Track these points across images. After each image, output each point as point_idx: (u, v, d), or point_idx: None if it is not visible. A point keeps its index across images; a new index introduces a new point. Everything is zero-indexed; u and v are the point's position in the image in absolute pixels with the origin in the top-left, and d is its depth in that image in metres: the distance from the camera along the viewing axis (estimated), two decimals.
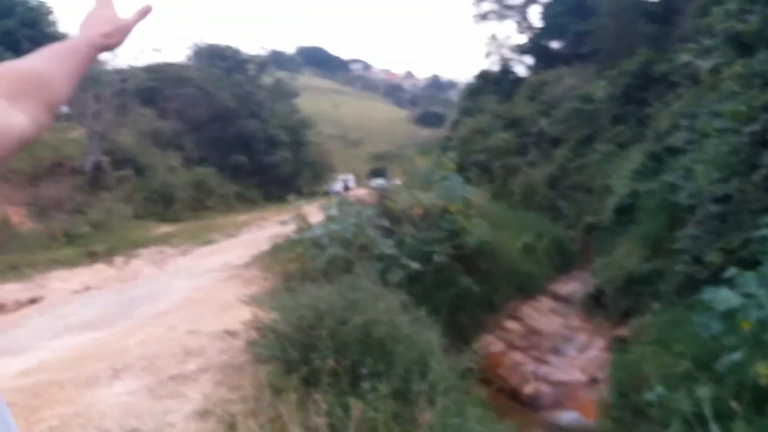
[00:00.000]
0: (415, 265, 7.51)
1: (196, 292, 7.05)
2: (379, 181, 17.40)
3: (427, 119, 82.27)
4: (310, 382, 3.85)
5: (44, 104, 0.82)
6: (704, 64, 12.66)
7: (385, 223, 8.49)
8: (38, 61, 0.87)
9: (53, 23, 19.44)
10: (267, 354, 4.10)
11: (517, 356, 8.97)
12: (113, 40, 0.94)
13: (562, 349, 9.27)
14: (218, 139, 26.17)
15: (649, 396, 6.04)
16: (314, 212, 8.90)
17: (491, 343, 9.25)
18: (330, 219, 7.78)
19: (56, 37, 18.75)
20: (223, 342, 4.80)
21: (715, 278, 6.79)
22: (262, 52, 36.18)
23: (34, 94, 0.82)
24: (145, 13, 0.98)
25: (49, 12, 18.74)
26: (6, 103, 0.77)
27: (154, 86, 24.58)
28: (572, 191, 17.68)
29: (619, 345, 8.35)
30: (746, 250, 7.18)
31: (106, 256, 10.83)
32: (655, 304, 8.54)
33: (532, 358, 8.90)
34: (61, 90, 0.87)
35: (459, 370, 4.99)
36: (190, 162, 23.11)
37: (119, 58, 23.63)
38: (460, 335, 7.87)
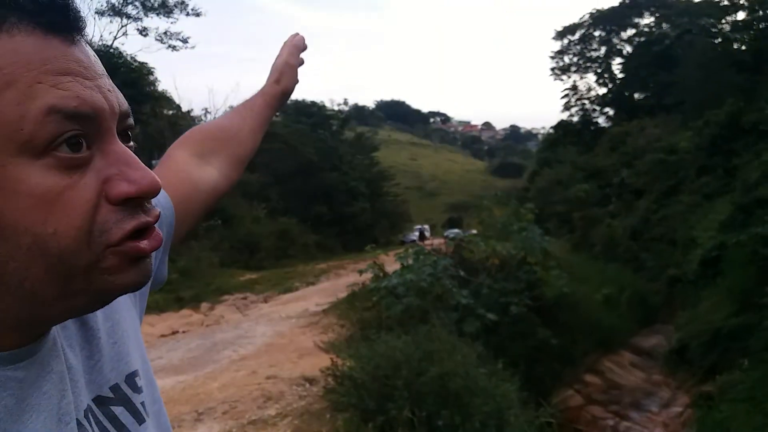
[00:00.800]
0: (491, 316, 7.41)
1: (276, 338, 7.09)
2: (455, 231, 17.66)
3: (505, 170, 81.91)
4: (385, 431, 3.90)
5: (232, 158, 0.87)
6: None
7: (462, 273, 8.56)
8: (222, 120, 0.94)
9: (153, 83, 21.30)
10: (344, 401, 4.12)
11: (596, 411, 8.76)
12: (282, 84, 0.96)
13: (643, 404, 8.96)
14: (301, 190, 27.55)
15: None
16: (390, 261, 9.11)
17: (570, 397, 9.10)
18: (406, 268, 7.80)
19: (156, 96, 20.67)
20: (301, 388, 4.82)
21: None
22: (345, 108, 38.01)
23: (221, 149, 0.86)
24: (297, 44, 1.00)
25: (149, 72, 20.63)
26: (196, 160, 0.82)
27: None
28: (655, 243, 17.18)
29: (704, 402, 8.02)
30: None
31: (193, 301, 11.02)
32: (743, 361, 8.20)
33: (612, 413, 8.66)
34: (246, 142, 0.91)
35: (537, 425, 4.96)
36: (275, 212, 24.34)
37: (211, 115, 25.74)
38: (537, 388, 7.80)
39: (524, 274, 9.04)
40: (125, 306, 0.63)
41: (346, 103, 76.26)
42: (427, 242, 17.10)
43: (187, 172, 0.79)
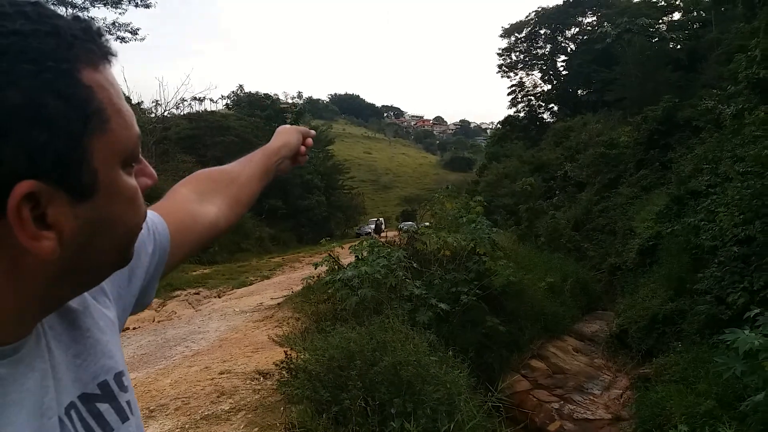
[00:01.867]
0: (443, 306, 7.45)
1: (230, 333, 6.97)
2: (408, 224, 17.90)
3: (456, 164, 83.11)
4: (339, 421, 3.90)
5: (230, 199, 0.93)
6: (727, 110, 12.96)
7: (414, 264, 8.64)
8: (225, 166, 1.01)
9: None
10: (298, 394, 4.12)
11: (542, 395, 9.11)
12: (283, 151, 1.08)
13: (586, 387, 9.35)
14: None
15: None
16: (346, 254, 9.04)
17: (517, 382, 9.41)
18: (360, 260, 7.76)
19: None
20: (255, 382, 4.82)
21: (738, 319, 6.96)
22: (299, 101, 37.66)
23: (221, 191, 0.93)
24: (309, 134, 1.14)
25: None
26: (197, 197, 0.89)
27: (195, 134, 25.88)
28: (597, 233, 17.83)
29: (642, 384, 8.45)
30: None
31: None
32: (677, 344, 8.67)
33: (557, 397, 9.03)
34: (244, 187, 0.98)
35: (485, 409, 4.99)
36: None
37: (161, 107, 25.05)
38: (486, 374, 8.02)
39: (474, 264, 9.23)
40: (109, 314, 0.68)
41: (300, 96, 75.65)
42: (382, 235, 17.22)
43: (187, 206, 0.87)
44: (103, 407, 0.60)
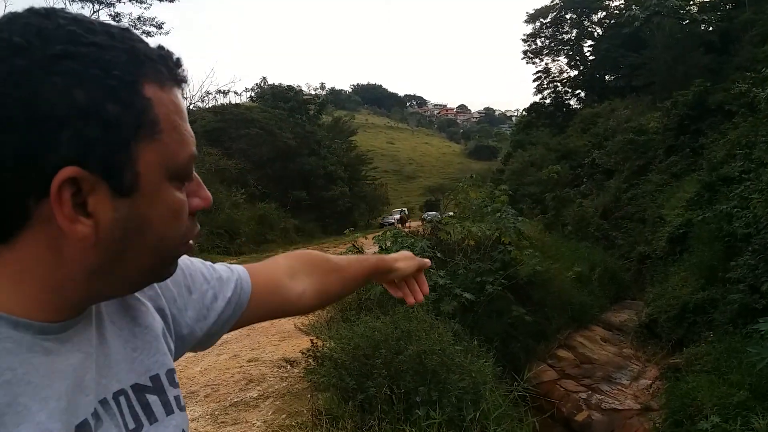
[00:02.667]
0: (468, 296, 7.40)
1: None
2: (432, 214, 17.90)
3: (480, 153, 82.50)
4: (365, 409, 3.91)
5: (319, 287, 0.95)
6: (762, 93, 12.56)
7: (438, 254, 8.67)
8: (336, 256, 1.03)
9: None
10: (324, 382, 4.16)
11: (569, 384, 9.05)
12: (397, 264, 1.06)
13: (614, 377, 9.26)
14: (280, 175, 27.45)
15: (704, 425, 6.07)
16: (370, 244, 9.18)
17: (544, 372, 9.38)
18: (384, 251, 7.72)
19: None
20: (282, 370, 4.87)
21: None
22: (322, 92, 37.74)
23: (316, 276, 0.95)
24: (424, 265, 1.11)
25: None
26: (290, 272, 0.92)
27: (221, 127, 26.11)
28: (625, 221, 17.56)
29: (672, 374, 8.33)
30: None
31: None
32: (709, 334, 8.52)
33: (585, 387, 8.96)
34: (337, 283, 0.99)
35: (511, 398, 4.96)
36: (254, 198, 24.26)
37: (187, 100, 25.46)
38: (512, 364, 8.00)
39: (499, 254, 9.18)
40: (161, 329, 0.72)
41: (323, 87, 75.91)
42: (406, 225, 17.23)
43: (277, 274, 0.91)
44: (152, 398, 0.64)
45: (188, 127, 0.57)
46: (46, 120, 0.48)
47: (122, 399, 0.60)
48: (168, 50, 0.57)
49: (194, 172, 0.60)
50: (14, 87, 0.48)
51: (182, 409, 0.68)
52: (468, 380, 4.33)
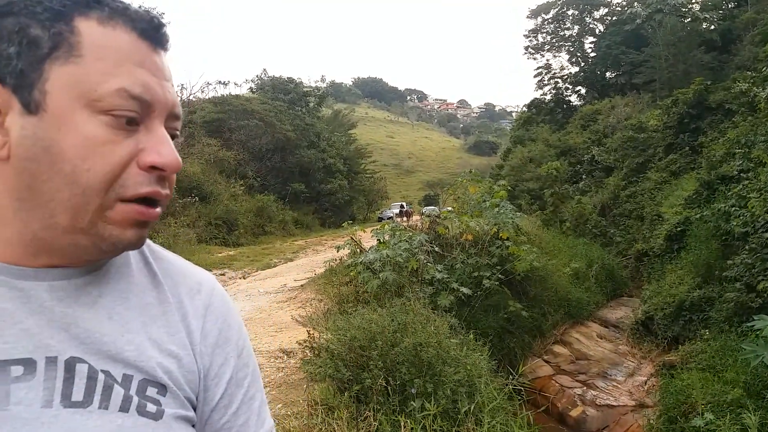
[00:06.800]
0: (465, 290, 7.50)
1: (254, 313, 7.04)
2: (430, 208, 17.87)
3: (480, 148, 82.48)
4: (361, 400, 3.94)
5: None
6: (763, 93, 12.55)
7: (436, 248, 8.59)
8: None
9: None
10: (321, 372, 4.18)
11: (564, 380, 9.09)
12: None
13: (610, 374, 9.30)
14: (279, 167, 27.39)
15: (698, 422, 6.10)
16: (368, 238, 9.10)
17: (539, 367, 9.42)
18: (382, 244, 7.77)
19: None
20: (279, 360, 4.88)
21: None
22: (322, 85, 37.56)
23: None
24: None
25: None
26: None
27: (220, 118, 25.96)
28: (623, 219, 17.62)
29: (667, 371, 8.37)
30: None
31: None
32: (705, 332, 8.56)
33: (580, 383, 9.00)
34: None
35: (506, 392, 4.98)
36: (252, 189, 24.21)
37: (186, 91, 25.26)
38: (507, 359, 8.04)
39: (496, 249, 9.20)
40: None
41: (323, 79, 75.50)
42: (404, 219, 17.22)
43: None
44: (116, 389, 0.60)
45: (140, 72, 0.57)
46: None
47: (81, 367, 0.57)
48: (143, 8, 0.60)
49: (162, 129, 0.60)
50: None
51: (142, 414, 0.60)
52: (463, 373, 4.36)
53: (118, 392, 0.58)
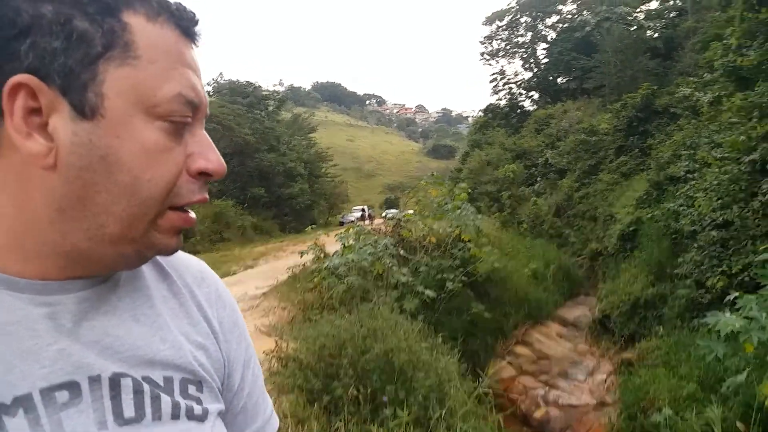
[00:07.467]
0: (429, 293, 7.50)
1: None
2: (392, 211, 17.91)
3: (438, 152, 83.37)
4: (331, 411, 3.87)
5: None
6: (704, 97, 13.15)
7: (401, 251, 8.57)
8: None
9: None
10: (289, 383, 4.07)
11: (527, 381, 9.21)
12: None
13: (571, 373, 9.47)
14: (237, 172, 26.98)
15: (657, 418, 6.29)
16: (331, 242, 8.94)
17: (503, 368, 9.52)
18: (347, 248, 7.75)
19: None
20: None
21: (718, 302, 7.09)
22: (281, 88, 37.17)
23: None
24: None
25: None
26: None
27: None
28: (578, 219, 18.07)
29: (626, 368, 8.58)
30: (747, 274, 7.46)
31: None
32: (659, 328, 8.81)
33: (543, 383, 9.14)
34: None
35: (475, 396, 5.03)
36: (209, 194, 23.69)
37: None
38: (472, 361, 8.11)
39: (459, 251, 9.29)
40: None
41: (281, 83, 74.83)
42: (366, 222, 17.20)
43: None
44: (164, 398, 0.60)
45: (187, 73, 0.55)
46: (7, 27, 0.48)
47: (125, 382, 0.56)
48: (179, 3, 0.57)
49: (204, 132, 0.58)
50: None
51: (191, 418, 0.60)
52: (434, 378, 4.35)
53: (166, 401, 0.58)
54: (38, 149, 0.49)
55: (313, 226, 11.57)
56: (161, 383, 0.58)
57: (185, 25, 0.56)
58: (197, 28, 0.58)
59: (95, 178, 0.51)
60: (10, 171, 0.51)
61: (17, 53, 0.48)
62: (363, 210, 34.21)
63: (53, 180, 0.50)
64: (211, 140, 0.58)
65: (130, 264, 0.58)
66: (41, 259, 0.53)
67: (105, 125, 0.50)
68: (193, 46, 0.58)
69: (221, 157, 0.58)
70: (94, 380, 0.54)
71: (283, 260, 12.96)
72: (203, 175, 0.57)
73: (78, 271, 0.55)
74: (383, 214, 23.58)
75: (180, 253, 0.70)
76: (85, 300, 0.56)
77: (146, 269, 0.64)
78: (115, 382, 0.55)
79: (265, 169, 27.90)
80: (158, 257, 0.65)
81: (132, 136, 0.51)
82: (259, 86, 33.40)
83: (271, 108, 32.66)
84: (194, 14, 0.57)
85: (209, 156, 0.57)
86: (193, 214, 0.59)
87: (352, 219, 26.42)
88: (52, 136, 0.50)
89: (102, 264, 0.56)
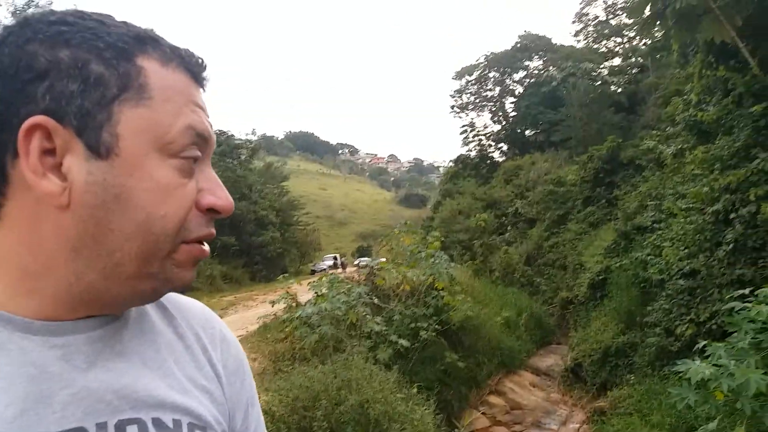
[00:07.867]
0: (403, 342, 7.45)
1: None
2: (365, 260, 17.88)
3: (410, 200, 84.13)
4: None
5: None
6: (668, 150, 13.67)
7: (375, 300, 8.49)
8: None
9: None
10: None
11: (501, 431, 9.10)
12: None
13: (544, 423, 9.39)
14: None
15: None
16: (303, 291, 8.86)
17: (477, 419, 9.39)
18: (320, 297, 7.63)
19: None
20: None
21: (687, 349, 7.17)
22: (253, 137, 37.35)
23: None
24: None
25: None
26: None
27: None
28: (548, 268, 18.33)
29: (599, 417, 8.55)
30: (714, 322, 7.58)
31: None
32: (630, 376, 8.85)
33: None
34: None
35: None
36: None
37: None
38: (446, 411, 7.97)
39: (432, 299, 9.27)
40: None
41: (254, 132, 75.29)
42: (339, 270, 17.08)
43: None
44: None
45: (198, 111, 0.57)
46: (24, 72, 0.49)
47: (131, 429, 0.55)
48: (188, 49, 0.59)
49: (211, 169, 0.59)
50: (3, 45, 0.51)
51: None
52: (410, 429, 4.31)
53: None
54: (52, 189, 0.50)
55: (285, 274, 11.40)
56: (171, 425, 0.58)
57: (195, 70, 0.58)
58: (205, 74, 0.60)
59: (109, 216, 0.51)
60: (23, 211, 0.51)
61: (34, 96, 0.49)
62: (335, 258, 33.98)
63: (67, 219, 0.51)
64: (218, 178, 0.59)
65: (145, 300, 0.59)
66: (54, 299, 0.53)
67: (119, 164, 0.51)
68: (202, 90, 0.60)
69: (229, 195, 0.59)
70: (101, 427, 0.53)
71: (253, 310, 12.72)
72: (211, 211, 0.58)
73: (90, 311, 0.56)
74: (356, 262, 23.47)
75: (182, 297, 0.71)
76: (98, 340, 0.56)
77: (152, 311, 0.64)
78: (120, 428, 0.55)
79: (235, 217, 27.60)
80: (162, 300, 0.66)
81: (147, 174, 0.52)
82: (232, 135, 33.56)
83: (243, 157, 32.70)
84: (202, 60, 0.60)
85: (218, 193, 0.58)
86: (207, 246, 0.59)
87: (324, 267, 26.20)
88: (66, 175, 0.50)
89: (116, 302, 0.57)
